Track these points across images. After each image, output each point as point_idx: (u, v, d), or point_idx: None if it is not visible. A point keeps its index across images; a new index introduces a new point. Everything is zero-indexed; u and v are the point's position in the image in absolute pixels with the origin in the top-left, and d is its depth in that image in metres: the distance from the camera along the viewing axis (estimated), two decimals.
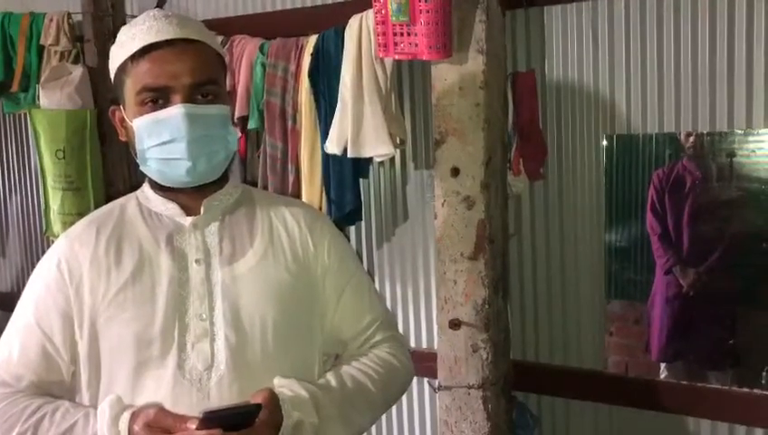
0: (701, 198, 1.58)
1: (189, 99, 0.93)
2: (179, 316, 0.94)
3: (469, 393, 1.64)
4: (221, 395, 0.91)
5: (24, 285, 0.99)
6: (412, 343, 1.94)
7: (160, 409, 0.89)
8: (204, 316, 0.94)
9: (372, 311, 1.06)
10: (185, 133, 0.92)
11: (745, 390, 1.54)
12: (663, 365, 1.65)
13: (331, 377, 0.99)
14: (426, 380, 1.87)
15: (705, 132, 1.55)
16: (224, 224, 1.00)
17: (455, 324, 1.62)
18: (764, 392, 1.51)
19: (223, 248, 0.98)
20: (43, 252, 1.02)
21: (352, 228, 1.98)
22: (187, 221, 0.98)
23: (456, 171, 1.61)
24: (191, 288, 0.95)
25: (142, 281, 0.94)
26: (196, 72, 0.93)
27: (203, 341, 0.93)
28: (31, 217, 2.69)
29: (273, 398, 0.90)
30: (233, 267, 0.97)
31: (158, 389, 0.91)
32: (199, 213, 0.99)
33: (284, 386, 0.93)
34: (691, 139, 1.57)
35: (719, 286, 1.58)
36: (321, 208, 1.84)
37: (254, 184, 1.97)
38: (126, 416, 0.89)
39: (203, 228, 0.99)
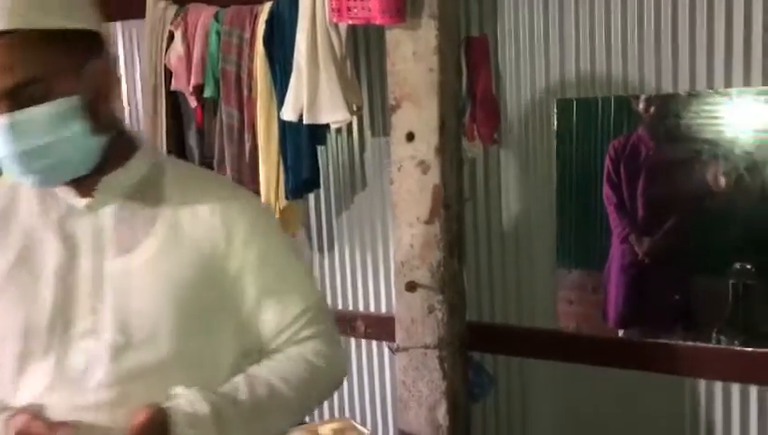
0: (655, 167, 1.62)
1: (9, 106, 0.77)
2: (65, 309, 0.85)
3: (426, 353, 1.68)
4: (98, 400, 0.83)
5: None
6: (372, 309, 1.97)
7: (32, 416, 0.81)
8: (91, 312, 0.85)
9: (300, 304, 0.94)
10: (9, 150, 0.79)
11: (692, 344, 1.59)
12: (620, 332, 1.69)
13: (241, 383, 0.88)
14: (385, 343, 1.90)
15: (654, 95, 1.59)
16: (122, 207, 0.87)
17: (411, 287, 1.66)
18: (711, 346, 1.56)
19: (118, 236, 0.86)
20: None
21: (311, 196, 1.99)
22: (81, 203, 0.87)
23: (410, 136, 1.63)
24: (79, 279, 0.85)
25: (27, 267, 0.86)
26: (13, 71, 0.77)
27: (87, 338, 0.84)
28: None
29: (155, 419, 0.80)
30: (127, 259, 0.86)
31: (37, 384, 0.84)
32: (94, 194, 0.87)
33: (182, 398, 0.83)
34: (642, 104, 1.61)
35: (673, 253, 1.63)
36: (278, 177, 1.86)
37: (211, 154, 1.98)
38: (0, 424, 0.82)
39: (97, 211, 0.87)
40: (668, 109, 1.59)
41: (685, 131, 1.58)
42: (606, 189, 1.67)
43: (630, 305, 1.69)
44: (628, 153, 1.65)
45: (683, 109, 1.57)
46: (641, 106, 1.61)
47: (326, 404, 2.02)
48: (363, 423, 1.85)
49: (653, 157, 1.62)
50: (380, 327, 1.92)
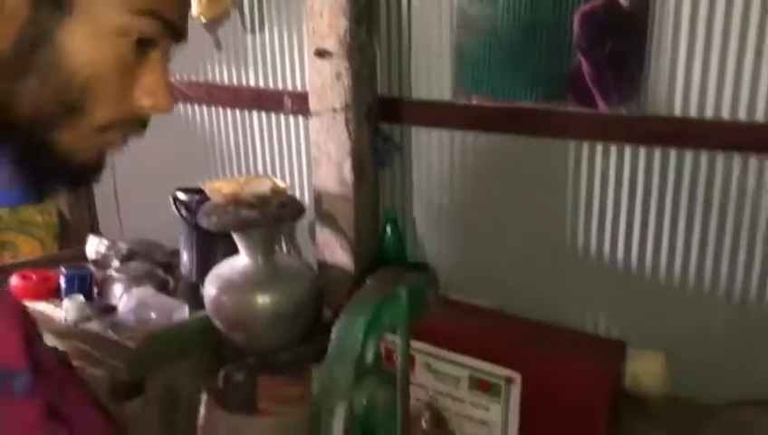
0: None
1: None
2: None
3: (334, 118, 1.87)
4: None
5: None
6: (299, 87, 2.13)
7: None
8: None
9: None
10: None
11: (579, 109, 1.76)
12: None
13: None
14: (300, 116, 2.09)
15: None
16: None
17: (319, 54, 1.81)
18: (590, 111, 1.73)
19: None
20: None
21: None
22: None
23: None
24: None
25: None
26: None
27: None
28: None
29: None
30: None
31: None
32: None
33: None
34: None
35: None
36: None
37: None
38: None
39: None
40: None
41: None
42: None
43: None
44: None
45: None
46: None
47: (256, 171, 2.25)
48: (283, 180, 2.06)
49: None
50: (306, 104, 2.09)
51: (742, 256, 1.60)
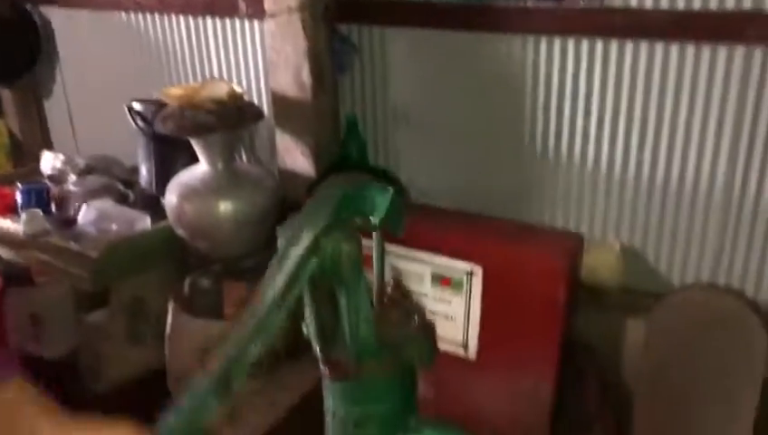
0: None
1: None
2: None
3: (290, 19, 1.82)
4: None
5: None
6: None
7: None
8: None
9: None
10: None
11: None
12: None
13: None
14: (255, 20, 2.03)
15: None
16: None
17: None
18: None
19: None
20: None
21: None
22: None
23: None
24: None
25: None
26: None
27: None
28: None
29: None
30: None
31: None
32: None
33: None
34: None
35: None
36: None
37: None
38: None
39: None
40: None
41: None
42: None
43: None
44: None
45: None
46: None
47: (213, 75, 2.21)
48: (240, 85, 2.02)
49: None
50: (261, 6, 2.03)
51: (693, 148, 1.64)
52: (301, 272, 0.71)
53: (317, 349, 0.82)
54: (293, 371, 1.92)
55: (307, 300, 0.78)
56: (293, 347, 1.99)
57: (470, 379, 1.77)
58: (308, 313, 0.80)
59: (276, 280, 0.69)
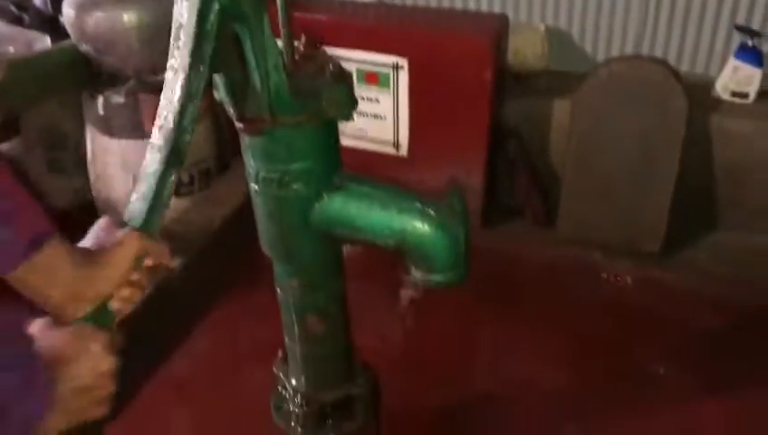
0: None
1: None
2: None
3: None
4: None
5: None
6: None
7: None
8: None
9: None
10: None
11: None
12: None
13: None
14: None
15: None
16: None
17: None
18: None
19: None
20: None
21: None
22: None
23: None
24: None
25: None
26: None
27: None
28: None
29: None
30: None
31: None
32: None
33: None
34: None
35: None
36: None
37: None
38: None
39: None
40: None
41: None
42: None
43: None
44: None
45: None
46: None
47: None
48: None
49: None
50: None
51: None
52: (204, 20, 0.67)
53: (230, 109, 0.78)
54: (224, 186, 1.90)
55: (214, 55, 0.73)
56: (222, 163, 1.95)
57: (403, 176, 1.78)
58: (218, 78, 0.76)
59: (185, 34, 0.66)
